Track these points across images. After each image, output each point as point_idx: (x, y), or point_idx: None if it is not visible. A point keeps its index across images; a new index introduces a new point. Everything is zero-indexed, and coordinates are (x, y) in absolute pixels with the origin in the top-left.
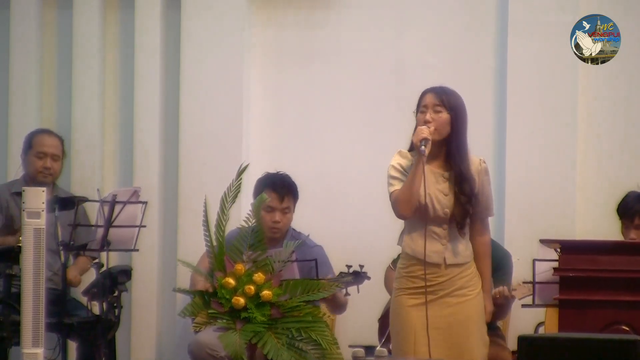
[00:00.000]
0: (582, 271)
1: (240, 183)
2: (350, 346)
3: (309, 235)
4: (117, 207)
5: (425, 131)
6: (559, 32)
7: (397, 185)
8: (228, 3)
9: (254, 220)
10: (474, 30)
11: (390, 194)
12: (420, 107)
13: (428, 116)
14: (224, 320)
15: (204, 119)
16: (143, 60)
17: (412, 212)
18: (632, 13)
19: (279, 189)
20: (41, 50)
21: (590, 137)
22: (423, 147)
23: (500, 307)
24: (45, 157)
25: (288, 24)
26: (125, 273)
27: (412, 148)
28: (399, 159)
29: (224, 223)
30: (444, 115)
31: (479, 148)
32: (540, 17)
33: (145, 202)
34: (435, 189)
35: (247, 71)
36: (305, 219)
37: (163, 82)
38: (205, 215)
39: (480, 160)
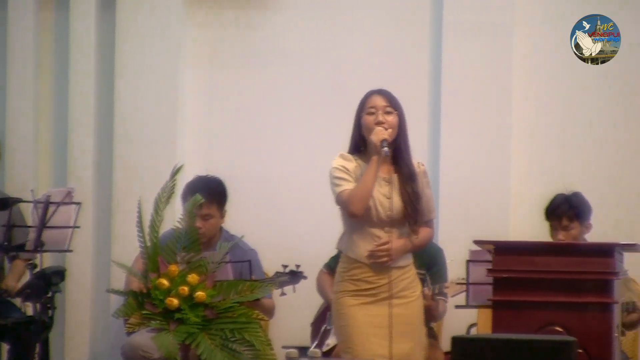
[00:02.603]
0: (516, 272)
1: (175, 184)
2: (283, 347)
3: (242, 237)
4: (51, 208)
5: (385, 132)
6: (493, 33)
7: (346, 185)
8: (163, 3)
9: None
10: (410, 32)
11: (339, 194)
12: (367, 109)
13: (381, 117)
14: (158, 321)
15: (139, 119)
16: (78, 60)
17: (364, 210)
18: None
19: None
20: None
21: (524, 138)
22: (386, 148)
23: (426, 311)
24: None
25: (224, 24)
26: (59, 274)
27: (354, 150)
28: (342, 162)
29: (158, 224)
30: (395, 117)
31: (413, 149)
32: (475, 17)
33: (79, 203)
34: (378, 192)
35: (183, 71)
36: (240, 220)
37: (98, 82)
38: (140, 216)
39: (419, 163)
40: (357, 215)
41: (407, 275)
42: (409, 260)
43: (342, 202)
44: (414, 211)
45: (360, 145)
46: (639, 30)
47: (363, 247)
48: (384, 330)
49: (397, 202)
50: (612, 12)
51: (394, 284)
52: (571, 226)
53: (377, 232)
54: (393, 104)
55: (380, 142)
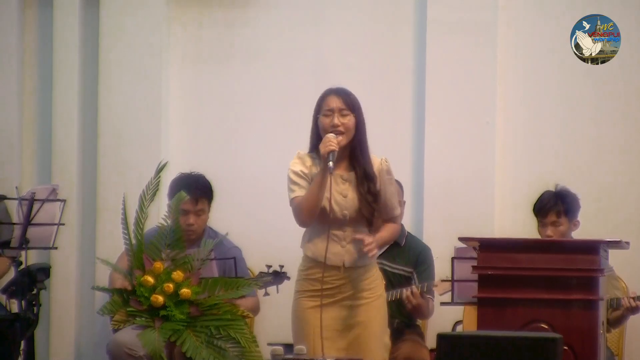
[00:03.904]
0: (500, 269)
1: (159, 181)
2: (269, 344)
3: (227, 234)
4: (36, 205)
5: (333, 142)
6: (477, 31)
7: (298, 192)
8: (147, 1)
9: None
10: (393, 30)
11: (291, 200)
12: (324, 111)
13: (336, 120)
14: (143, 319)
15: (123, 116)
16: (62, 57)
17: (313, 220)
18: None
19: (192, 191)
20: None
21: (509, 136)
22: (331, 162)
23: (415, 310)
24: None
25: (207, 23)
26: (44, 271)
27: (312, 150)
28: (299, 165)
29: (142, 221)
30: (351, 119)
31: (397, 147)
32: (459, 15)
33: (63, 200)
34: (335, 190)
35: (166, 69)
36: (224, 218)
37: (82, 80)
38: (124, 213)
39: (382, 160)
40: (305, 225)
41: (367, 276)
42: (367, 260)
43: (293, 209)
44: (369, 211)
45: (318, 145)
46: (636, 30)
47: (320, 246)
48: (338, 333)
49: (353, 200)
50: (611, 12)
51: (351, 285)
52: (559, 222)
53: (334, 231)
54: (349, 105)
55: (327, 154)
